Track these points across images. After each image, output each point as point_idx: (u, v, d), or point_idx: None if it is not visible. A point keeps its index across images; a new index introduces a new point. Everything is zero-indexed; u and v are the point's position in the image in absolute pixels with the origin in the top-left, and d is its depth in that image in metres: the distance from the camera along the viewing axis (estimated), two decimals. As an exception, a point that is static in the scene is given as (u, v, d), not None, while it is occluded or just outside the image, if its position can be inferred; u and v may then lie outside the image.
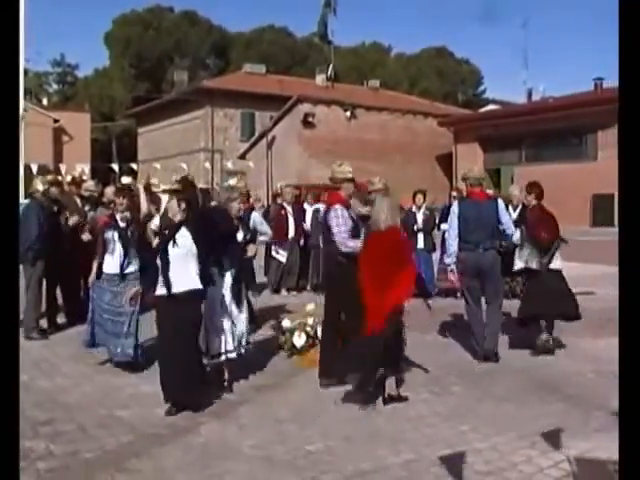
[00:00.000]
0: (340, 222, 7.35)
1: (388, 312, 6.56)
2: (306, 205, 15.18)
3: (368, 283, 6.66)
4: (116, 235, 8.17)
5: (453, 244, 8.42)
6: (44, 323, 10.24)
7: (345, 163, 7.80)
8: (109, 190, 11.44)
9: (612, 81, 34.84)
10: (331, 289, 7.62)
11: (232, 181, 11.68)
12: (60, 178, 11.33)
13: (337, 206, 7.45)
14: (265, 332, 9.83)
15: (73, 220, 10.50)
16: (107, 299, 8.21)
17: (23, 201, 12.97)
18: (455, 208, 8.67)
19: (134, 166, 27.55)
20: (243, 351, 7.36)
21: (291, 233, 14.25)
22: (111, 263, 8.21)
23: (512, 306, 9.44)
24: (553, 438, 5.64)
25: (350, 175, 7.60)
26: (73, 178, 11.64)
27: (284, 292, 14.10)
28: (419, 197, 13.92)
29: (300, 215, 14.58)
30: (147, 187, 9.42)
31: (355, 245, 7.24)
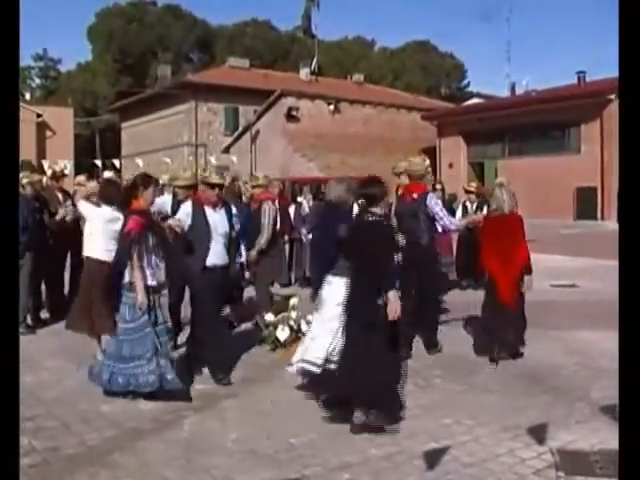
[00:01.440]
0: (442, 206, 8.61)
1: (515, 285, 7.94)
2: (300, 199, 15.17)
3: (492, 259, 8.07)
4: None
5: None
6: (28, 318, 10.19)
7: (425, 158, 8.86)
8: (91, 185, 11.42)
9: (595, 75, 35.01)
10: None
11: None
12: (43, 179, 11.27)
13: (431, 194, 8.56)
14: (249, 326, 9.81)
15: (60, 214, 10.44)
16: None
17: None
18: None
19: (116, 162, 27.46)
20: None
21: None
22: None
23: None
24: (535, 430, 5.67)
25: (430, 169, 8.76)
26: (54, 172, 11.57)
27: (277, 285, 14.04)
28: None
29: (284, 209, 14.55)
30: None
31: (461, 223, 9.44)
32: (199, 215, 7.53)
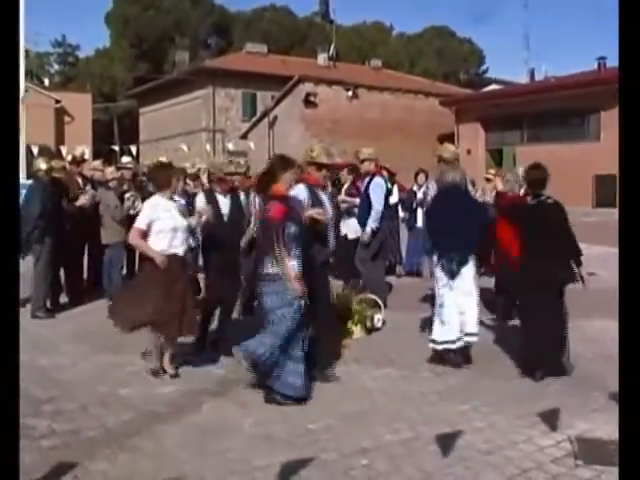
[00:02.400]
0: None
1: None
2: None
3: (504, 228, 7.75)
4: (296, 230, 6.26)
5: None
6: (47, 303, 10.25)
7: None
8: (109, 170, 11.50)
9: (615, 61, 34.57)
10: None
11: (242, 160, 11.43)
12: (63, 163, 11.32)
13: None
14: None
15: (82, 200, 10.49)
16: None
17: (25, 182, 13.01)
18: None
19: (133, 148, 27.53)
20: None
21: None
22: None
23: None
24: (553, 418, 5.66)
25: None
26: (73, 157, 11.64)
27: None
28: (421, 176, 14.06)
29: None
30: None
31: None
32: (315, 199, 6.92)
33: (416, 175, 14.23)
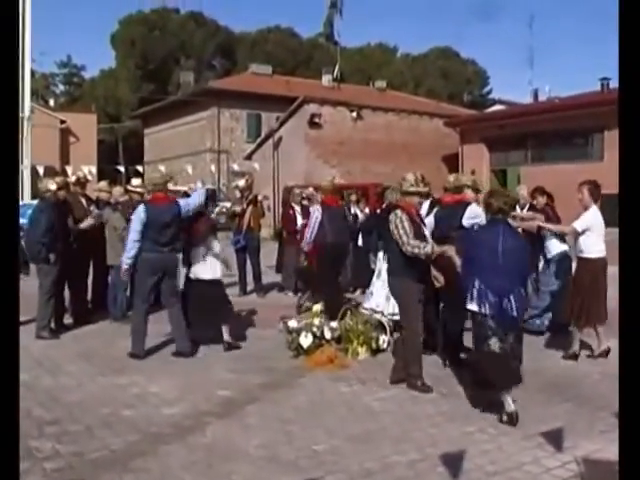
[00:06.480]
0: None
1: None
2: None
3: None
4: None
5: None
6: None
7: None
8: (116, 190, 11.53)
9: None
10: None
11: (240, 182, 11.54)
12: (68, 180, 11.36)
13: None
14: (272, 332, 9.79)
15: (87, 223, 10.53)
16: None
17: (30, 202, 13.03)
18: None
19: (140, 168, 27.62)
20: None
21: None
22: None
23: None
24: (559, 439, 5.62)
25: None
26: (78, 179, 11.65)
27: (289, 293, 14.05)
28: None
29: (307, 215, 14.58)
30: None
31: None
32: None
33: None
